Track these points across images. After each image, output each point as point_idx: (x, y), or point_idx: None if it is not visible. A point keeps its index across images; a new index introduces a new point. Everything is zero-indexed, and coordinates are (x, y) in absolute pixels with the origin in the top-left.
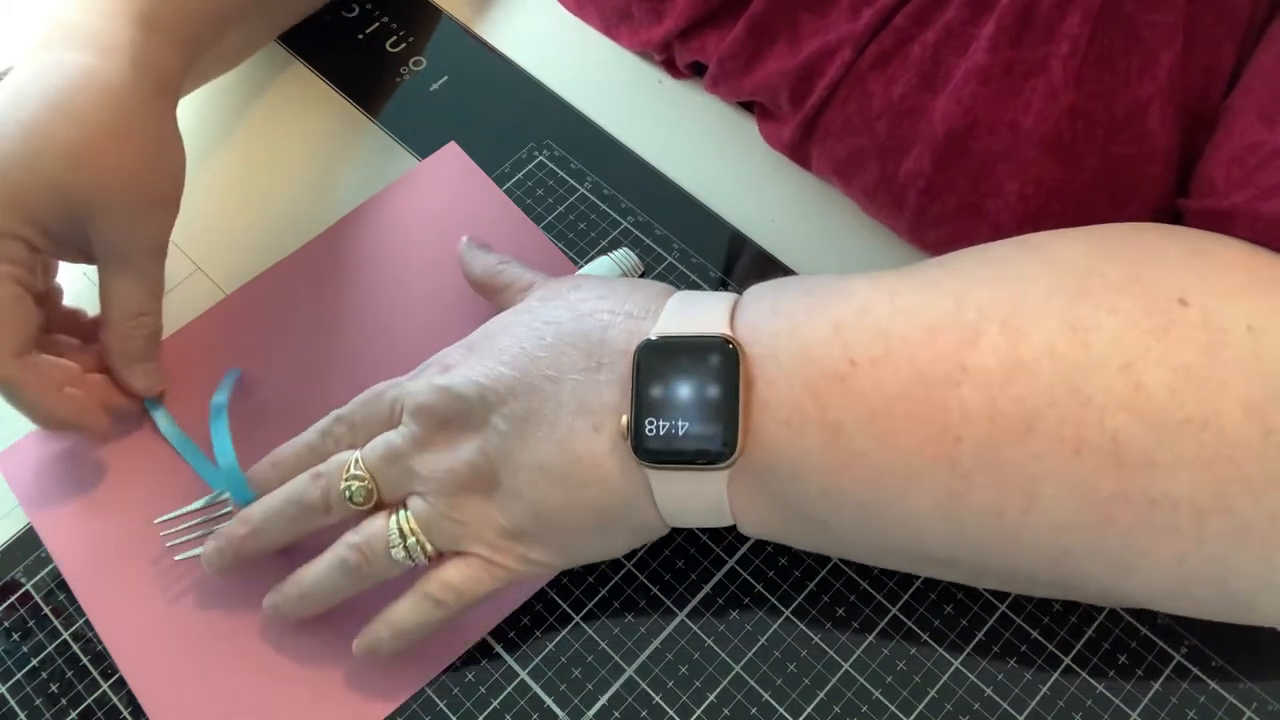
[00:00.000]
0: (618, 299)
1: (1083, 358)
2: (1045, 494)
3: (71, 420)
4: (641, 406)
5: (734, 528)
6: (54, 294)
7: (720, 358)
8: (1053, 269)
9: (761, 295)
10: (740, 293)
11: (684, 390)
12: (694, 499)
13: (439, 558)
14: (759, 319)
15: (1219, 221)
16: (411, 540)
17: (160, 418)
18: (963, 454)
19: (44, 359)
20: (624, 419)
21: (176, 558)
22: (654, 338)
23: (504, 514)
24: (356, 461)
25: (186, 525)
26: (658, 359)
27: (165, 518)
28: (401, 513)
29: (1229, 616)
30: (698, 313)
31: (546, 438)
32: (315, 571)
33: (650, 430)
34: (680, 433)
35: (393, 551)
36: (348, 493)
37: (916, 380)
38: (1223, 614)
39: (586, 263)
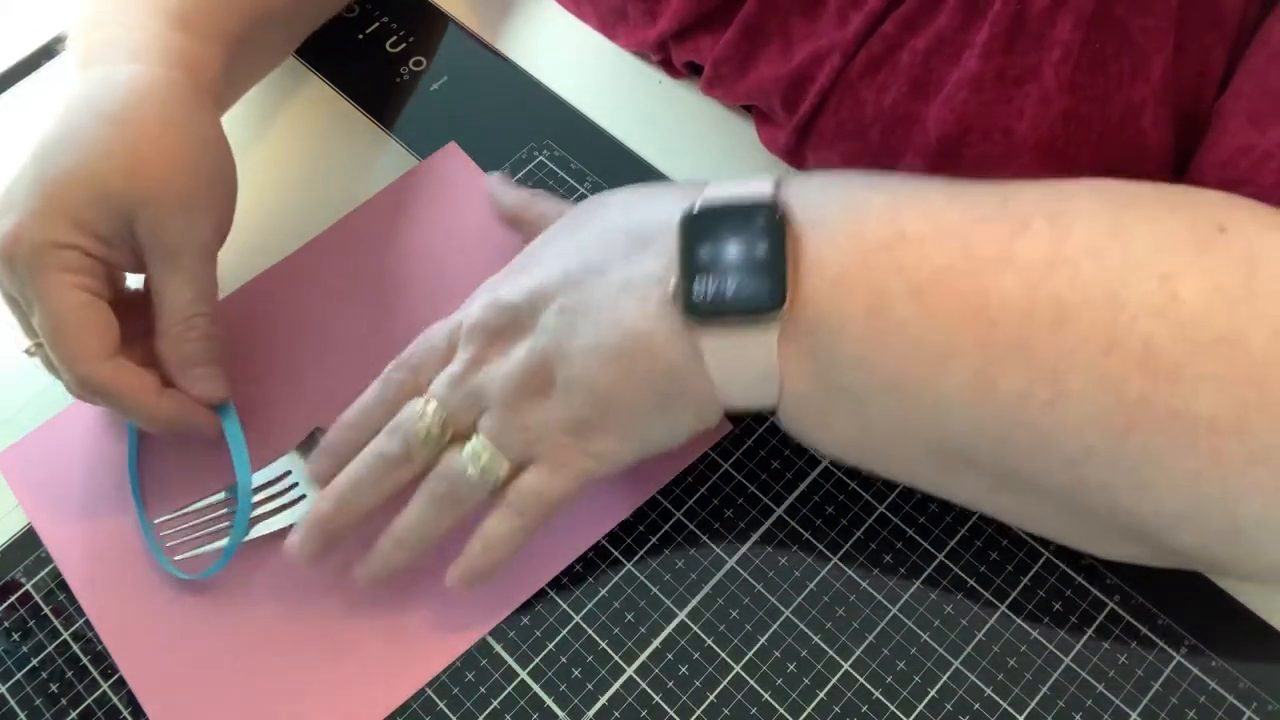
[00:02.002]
0: (661, 195)
1: (1123, 261)
2: (1072, 388)
3: (179, 419)
4: (689, 266)
5: (734, 525)
6: (130, 300)
7: (766, 217)
8: (1099, 191)
9: (809, 176)
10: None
11: (732, 249)
12: (744, 362)
13: (518, 471)
14: (807, 192)
15: None
16: (485, 458)
17: (228, 424)
18: (996, 337)
19: (131, 364)
20: (672, 281)
21: (176, 558)
22: (700, 204)
23: (564, 408)
24: (426, 400)
25: (186, 526)
26: (705, 223)
27: (164, 518)
28: (475, 435)
29: (1231, 555)
30: (743, 184)
31: (595, 321)
32: (408, 517)
33: (699, 290)
34: (729, 290)
35: (469, 473)
36: (425, 433)
37: (962, 259)
38: (1227, 550)
39: None
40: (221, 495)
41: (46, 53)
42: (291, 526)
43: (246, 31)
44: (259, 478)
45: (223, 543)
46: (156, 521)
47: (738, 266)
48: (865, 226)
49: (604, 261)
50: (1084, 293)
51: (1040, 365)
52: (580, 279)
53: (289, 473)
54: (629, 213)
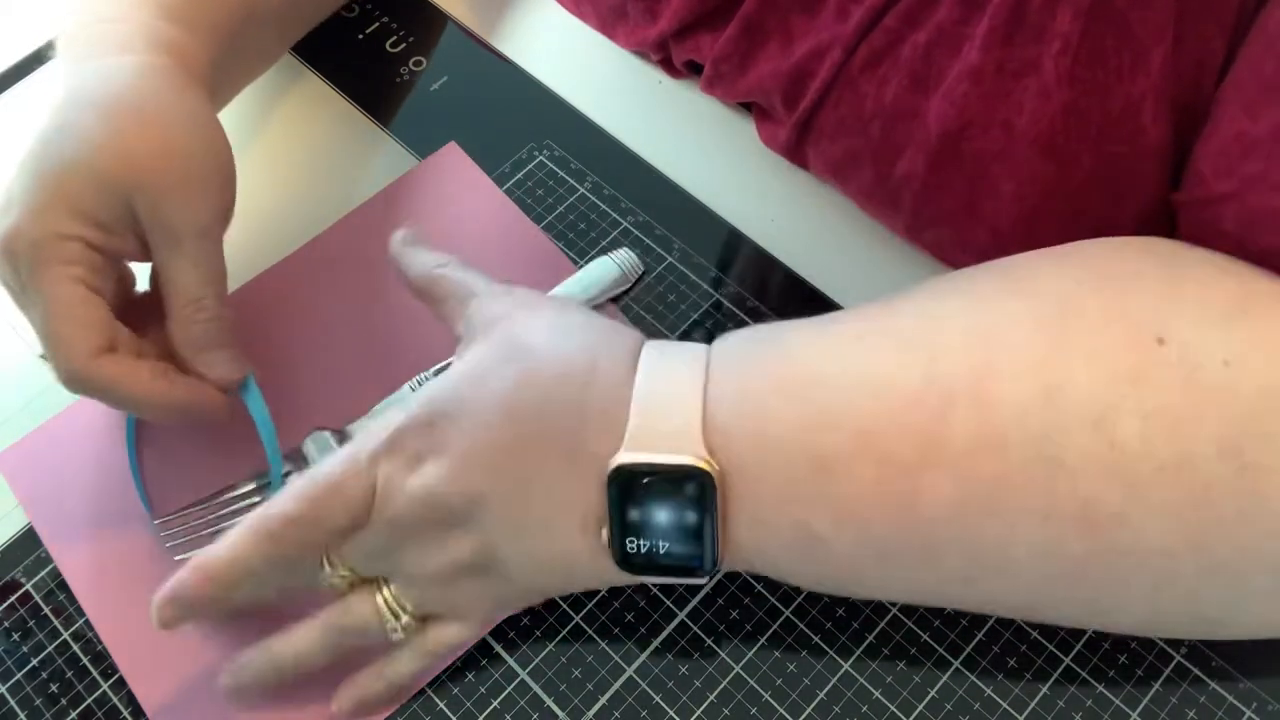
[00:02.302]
0: (583, 376)
1: (1054, 420)
2: (1016, 559)
3: (184, 402)
4: (620, 528)
5: None
6: (134, 297)
7: (696, 487)
8: (1032, 307)
9: (728, 373)
10: (713, 324)
11: (662, 515)
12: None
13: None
14: (728, 422)
15: (1207, 213)
16: (405, 619)
17: (253, 403)
18: (934, 534)
19: (125, 357)
20: (604, 533)
21: (176, 557)
22: (626, 462)
23: (499, 592)
24: (328, 558)
25: (186, 525)
26: (633, 483)
27: (164, 518)
28: (386, 591)
29: (1203, 635)
30: (667, 417)
31: (536, 537)
32: (296, 643)
33: (631, 547)
34: (661, 551)
35: (391, 635)
36: (329, 584)
37: (887, 470)
38: (1196, 634)
39: (586, 263)
40: (252, 484)
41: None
42: None
43: (236, 26)
44: (261, 476)
45: None
46: (156, 522)
47: (669, 531)
48: (783, 467)
49: (540, 471)
50: (1017, 469)
51: (981, 549)
52: (519, 489)
53: (290, 471)
54: (563, 408)
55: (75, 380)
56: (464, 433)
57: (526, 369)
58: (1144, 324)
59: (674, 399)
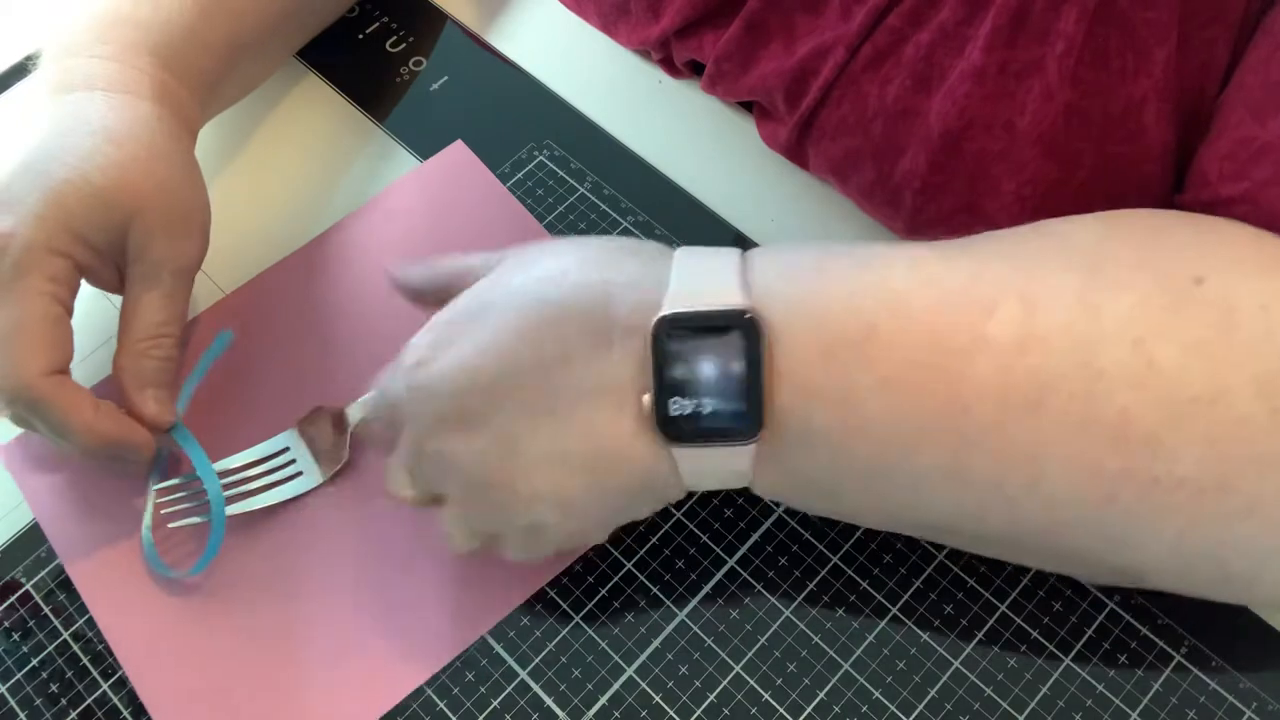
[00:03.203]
0: (611, 266)
1: (1095, 332)
2: (1049, 469)
3: (116, 438)
4: (664, 387)
5: (735, 525)
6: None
7: (742, 333)
8: (1066, 251)
9: (771, 259)
10: (744, 250)
11: (707, 367)
12: (718, 468)
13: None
14: (772, 284)
15: (1213, 214)
16: (458, 539)
17: (181, 438)
18: (970, 424)
19: (72, 381)
20: (646, 399)
21: (170, 525)
22: (669, 313)
23: (525, 515)
24: (400, 470)
25: (180, 495)
26: (676, 336)
27: (160, 485)
28: (446, 507)
29: (1225, 595)
30: (707, 279)
31: (564, 427)
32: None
33: (675, 410)
34: (705, 411)
35: (449, 538)
36: (403, 498)
37: (931, 348)
38: (1219, 592)
39: None
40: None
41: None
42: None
43: (223, 70)
44: (259, 451)
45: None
46: (154, 488)
47: (714, 385)
48: (832, 325)
49: (562, 355)
50: (1058, 369)
51: (1015, 450)
52: (538, 373)
53: (287, 449)
54: (588, 291)
55: (19, 394)
56: (487, 322)
57: (549, 265)
58: (1180, 267)
59: (714, 270)
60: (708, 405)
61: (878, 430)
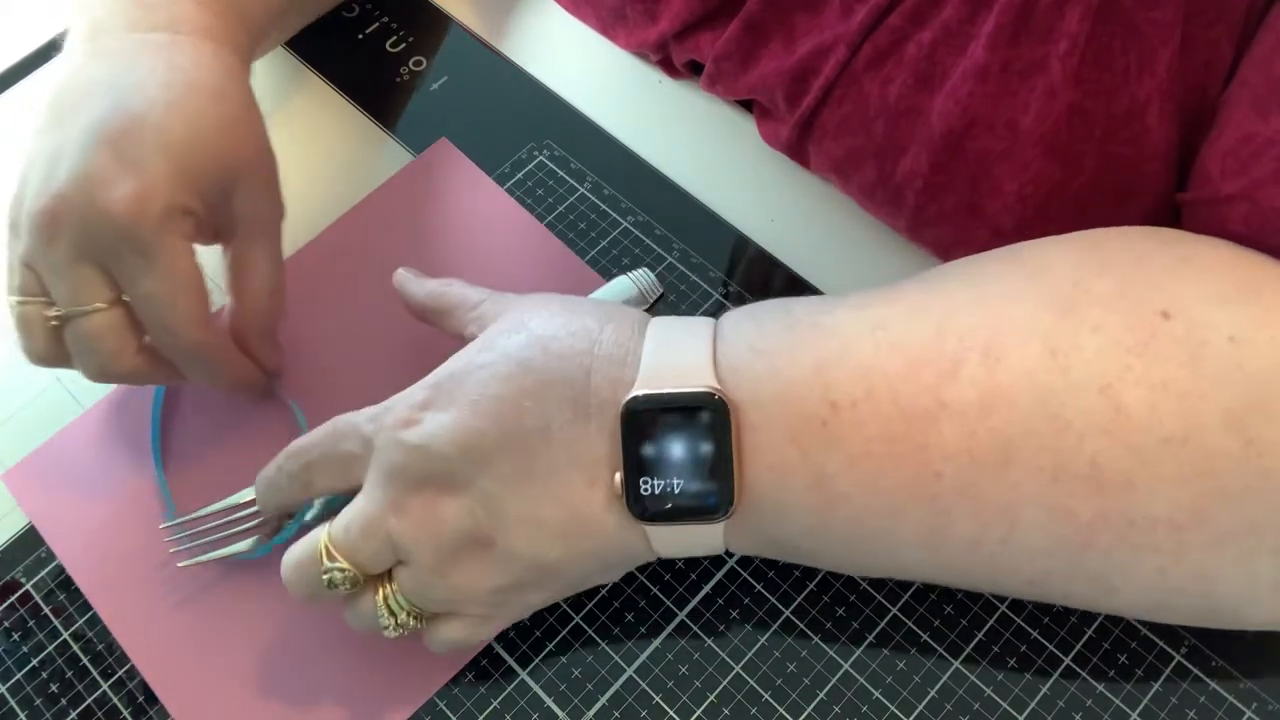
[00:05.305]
0: (591, 335)
1: (1061, 382)
2: (1024, 521)
3: (251, 378)
4: (634, 467)
5: None
6: None
7: (710, 415)
8: (1038, 285)
9: (740, 328)
10: (720, 314)
11: (676, 449)
12: (691, 543)
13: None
14: (740, 360)
15: (1215, 212)
16: (403, 617)
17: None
18: (942, 489)
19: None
20: (617, 478)
21: (180, 564)
22: (640, 394)
23: (500, 573)
24: (328, 548)
25: (190, 532)
26: (646, 417)
27: (169, 524)
28: (388, 588)
29: (1214, 623)
30: (679, 357)
31: (542, 493)
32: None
33: (645, 489)
34: (676, 491)
35: (385, 632)
36: (330, 583)
37: (897, 419)
38: (1208, 621)
39: (609, 281)
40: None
41: (47, 53)
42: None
43: (268, 20)
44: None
45: (237, 547)
46: (162, 526)
47: (684, 468)
48: (798, 406)
49: (545, 425)
50: (1025, 425)
51: (989, 507)
52: (522, 441)
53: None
54: (570, 362)
55: (194, 348)
56: (468, 389)
57: (536, 332)
58: (1150, 301)
59: (686, 346)
60: (677, 485)
61: (853, 504)
